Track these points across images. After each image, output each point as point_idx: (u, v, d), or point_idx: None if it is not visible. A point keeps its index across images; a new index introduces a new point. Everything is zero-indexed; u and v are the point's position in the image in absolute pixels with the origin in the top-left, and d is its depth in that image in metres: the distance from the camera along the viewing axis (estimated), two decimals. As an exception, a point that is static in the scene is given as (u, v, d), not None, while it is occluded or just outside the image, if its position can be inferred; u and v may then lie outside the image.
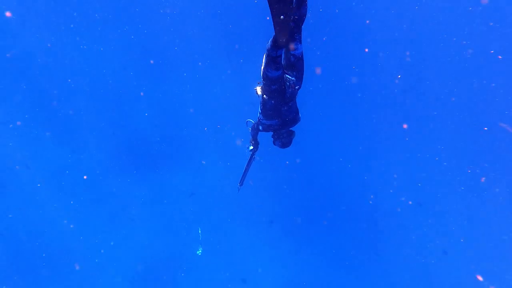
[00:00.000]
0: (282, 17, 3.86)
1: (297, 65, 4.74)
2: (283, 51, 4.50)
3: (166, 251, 13.72)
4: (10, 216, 13.58)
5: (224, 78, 15.67)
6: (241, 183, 6.32)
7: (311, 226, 14.34)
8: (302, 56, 4.64)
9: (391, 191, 15.67)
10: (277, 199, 14.42)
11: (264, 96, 4.94)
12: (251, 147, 5.96)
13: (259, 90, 5.04)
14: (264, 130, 5.49)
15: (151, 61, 15.16)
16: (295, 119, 5.36)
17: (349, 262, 14.31)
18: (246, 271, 13.70)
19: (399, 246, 14.92)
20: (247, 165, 6.12)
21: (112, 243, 13.80)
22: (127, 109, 15.06)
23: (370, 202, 15.23)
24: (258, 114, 5.33)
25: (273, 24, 3.91)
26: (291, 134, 5.52)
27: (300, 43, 4.48)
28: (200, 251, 13.31)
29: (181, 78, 15.53)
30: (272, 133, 5.63)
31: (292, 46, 4.59)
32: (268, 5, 3.76)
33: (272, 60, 4.32)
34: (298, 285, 13.52)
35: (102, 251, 13.75)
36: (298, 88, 4.95)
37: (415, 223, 15.40)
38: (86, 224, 13.96)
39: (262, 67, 4.57)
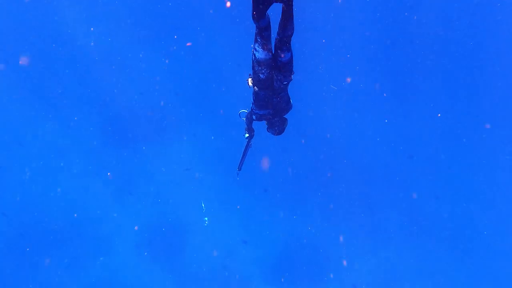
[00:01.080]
0: (261, 6, 3.94)
1: (283, 68, 4.74)
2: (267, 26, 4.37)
3: (169, 219, 14.22)
4: (11, 194, 13.84)
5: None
6: (240, 168, 6.56)
7: (305, 191, 14.87)
8: (289, 61, 4.65)
9: (383, 146, 16.03)
10: (269, 170, 14.81)
11: (255, 87, 5.04)
12: (247, 135, 6.11)
13: (250, 81, 5.16)
14: (257, 119, 5.63)
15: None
16: (286, 108, 5.53)
17: (344, 218, 14.97)
18: (246, 234, 14.37)
19: (393, 199, 15.52)
20: (244, 152, 6.32)
21: (115, 215, 14.20)
22: (120, 80, 14.94)
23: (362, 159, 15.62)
24: (251, 104, 5.44)
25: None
26: (283, 122, 5.68)
27: (289, 51, 4.47)
28: (206, 222, 13.92)
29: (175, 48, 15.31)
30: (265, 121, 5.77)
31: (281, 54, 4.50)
32: None
33: (260, 35, 4.33)
34: (295, 244, 14.28)
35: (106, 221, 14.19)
36: (287, 83, 5.02)
37: (407, 175, 15.95)
38: (87, 196, 14.26)
39: (252, 50, 4.59)
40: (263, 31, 4.27)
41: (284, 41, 4.39)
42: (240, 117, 6.06)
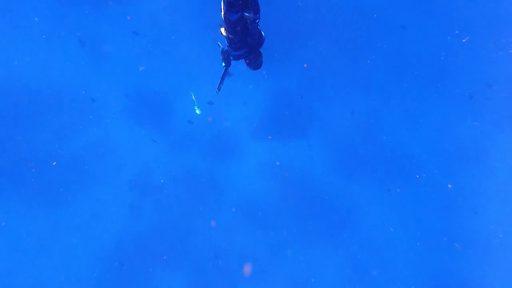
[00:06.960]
0: None
1: (250, 1, 5.01)
2: None
3: (154, 86, 14.30)
4: None
5: None
6: (219, 89, 6.85)
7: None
8: None
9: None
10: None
11: (230, 36, 5.48)
12: (223, 64, 6.26)
13: (223, 31, 5.55)
14: (235, 59, 5.90)
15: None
16: (259, 42, 5.87)
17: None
18: (230, 96, 14.46)
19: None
20: (222, 77, 6.56)
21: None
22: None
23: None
24: (227, 47, 5.65)
25: None
26: (259, 56, 6.00)
27: None
28: (198, 111, 14.10)
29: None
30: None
31: None
32: None
33: (231, 5, 4.79)
34: (281, 102, 14.65)
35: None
36: (258, 21, 5.33)
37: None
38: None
39: (222, 13, 4.99)
40: (234, 2, 4.77)
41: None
42: (219, 46, 6.23)
